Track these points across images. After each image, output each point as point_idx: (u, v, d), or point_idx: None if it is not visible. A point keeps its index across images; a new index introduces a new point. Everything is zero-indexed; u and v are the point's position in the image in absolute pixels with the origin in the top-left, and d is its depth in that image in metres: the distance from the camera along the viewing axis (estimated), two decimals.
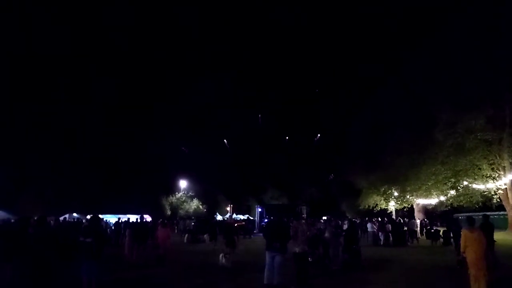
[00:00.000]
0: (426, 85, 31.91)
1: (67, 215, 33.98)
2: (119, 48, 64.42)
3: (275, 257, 9.06)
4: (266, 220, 31.62)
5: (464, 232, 8.63)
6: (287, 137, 65.14)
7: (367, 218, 30.53)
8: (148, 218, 27.99)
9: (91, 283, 7.75)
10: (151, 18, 72.90)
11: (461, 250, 8.57)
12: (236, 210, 52.31)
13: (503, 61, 26.49)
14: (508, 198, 29.50)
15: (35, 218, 11.30)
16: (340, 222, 22.94)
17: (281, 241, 9.13)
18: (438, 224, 34.49)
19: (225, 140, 64.13)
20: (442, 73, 30.11)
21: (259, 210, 37.24)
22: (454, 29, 29.54)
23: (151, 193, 49.36)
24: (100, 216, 10.61)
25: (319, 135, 63.43)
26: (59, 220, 23.52)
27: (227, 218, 46.17)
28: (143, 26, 73.85)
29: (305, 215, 29.78)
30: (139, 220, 16.69)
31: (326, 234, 14.53)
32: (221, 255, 13.44)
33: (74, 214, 34.86)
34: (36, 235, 8.58)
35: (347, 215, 50.87)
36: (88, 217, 21.26)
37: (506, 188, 29.22)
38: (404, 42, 36.46)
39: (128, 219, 23.33)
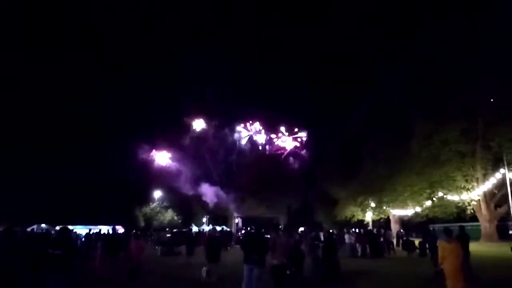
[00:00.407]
0: (402, 98, 32.48)
1: (35, 226, 32.71)
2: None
3: (253, 270, 8.81)
4: (243, 231, 31.25)
5: (441, 244, 8.57)
6: (267, 147, 65.13)
7: (345, 230, 30.47)
8: (120, 229, 27.16)
9: None
10: None
11: (439, 261, 8.49)
12: (212, 221, 51.44)
13: (476, 75, 27.26)
14: (481, 209, 30.12)
15: (1, 230, 10.71)
16: (320, 233, 22.79)
17: (259, 253, 8.89)
18: (414, 235, 34.85)
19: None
20: (418, 86, 30.73)
21: (236, 221, 36.86)
22: (429, 44, 30.27)
23: (124, 203, 47.85)
24: (70, 227, 10.13)
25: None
26: (26, 231, 22.58)
27: (208, 229, 45.16)
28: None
29: (282, 226, 29.58)
30: (111, 232, 16.09)
31: (302, 246, 14.32)
32: (203, 269, 12.87)
33: (43, 225, 33.60)
34: (2, 247, 8.09)
35: (324, 225, 50.82)
36: (57, 228, 20.44)
37: (479, 199, 29.85)
38: (380, 55, 37.25)
39: (100, 230, 22.59)
